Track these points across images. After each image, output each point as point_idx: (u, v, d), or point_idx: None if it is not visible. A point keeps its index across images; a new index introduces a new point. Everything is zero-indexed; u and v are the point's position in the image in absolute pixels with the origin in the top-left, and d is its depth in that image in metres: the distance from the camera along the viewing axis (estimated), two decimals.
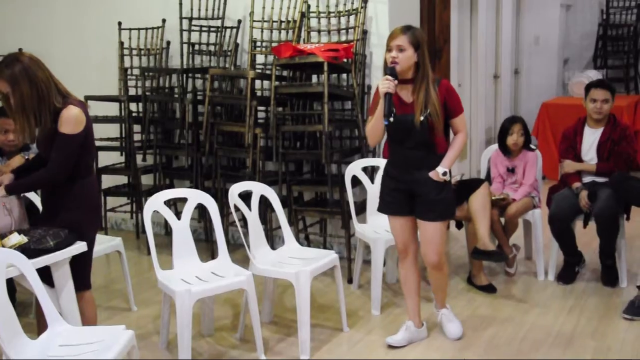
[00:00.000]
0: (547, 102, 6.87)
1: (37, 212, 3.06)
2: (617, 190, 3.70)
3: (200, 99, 4.62)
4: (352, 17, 4.22)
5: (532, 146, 4.12)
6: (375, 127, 2.90)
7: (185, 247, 3.15)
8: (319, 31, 4.33)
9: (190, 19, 4.73)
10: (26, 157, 3.00)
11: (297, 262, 3.27)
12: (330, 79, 4.23)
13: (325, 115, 3.82)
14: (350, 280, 3.99)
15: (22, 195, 2.85)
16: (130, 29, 4.99)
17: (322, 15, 4.31)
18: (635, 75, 8.37)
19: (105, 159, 4.91)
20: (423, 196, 2.94)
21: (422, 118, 2.83)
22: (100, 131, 4.44)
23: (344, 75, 4.29)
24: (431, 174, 2.92)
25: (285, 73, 4.35)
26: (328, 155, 3.87)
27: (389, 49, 2.84)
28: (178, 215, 3.20)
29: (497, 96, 7.42)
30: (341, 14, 4.26)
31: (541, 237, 3.97)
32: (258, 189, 3.43)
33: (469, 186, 3.79)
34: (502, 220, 3.98)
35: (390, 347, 3.13)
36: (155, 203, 3.11)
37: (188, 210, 3.21)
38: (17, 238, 2.50)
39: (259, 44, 4.50)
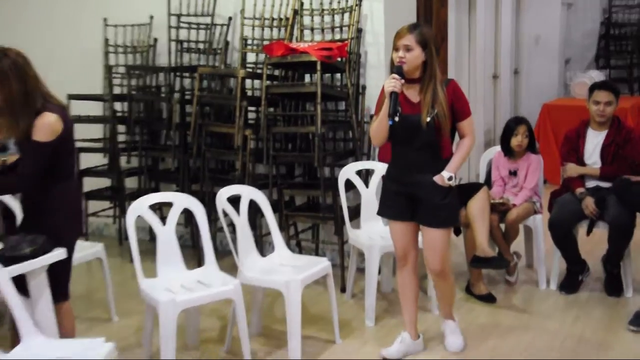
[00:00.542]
0: (549, 103, 6.87)
1: (14, 218, 2.99)
2: (621, 196, 3.67)
3: (189, 98, 4.56)
4: (346, 15, 4.18)
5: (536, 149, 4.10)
6: (380, 127, 2.86)
7: (170, 254, 3.10)
8: (312, 29, 4.29)
9: (179, 15, 4.68)
10: (4, 159, 2.93)
11: (287, 270, 3.22)
12: (323, 79, 4.20)
13: (318, 116, 3.78)
14: (343, 289, 3.95)
15: None
16: (116, 26, 4.93)
17: (315, 12, 4.27)
18: (639, 75, 8.37)
19: (88, 161, 4.85)
20: (426, 201, 2.91)
21: (428, 118, 2.80)
22: (83, 132, 4.38)
23: (338, 75, 4.26)
24: (436, 179, 2.88)
25: (277, 72, 4.31)
26: (320, 158, 3.83)
27: (395, 48, 2.82)
28: (164, 220, 3.14)
29: (496, 97, 7.41)
30: (335, 11, 4.23)
31: (542, 244, 3.94)
32: (247, 192, 3.38)
33: (467, 191, 3.75)
34: (502, 226, 3.94)
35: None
36: (140, 207, 3.06)
37: (174, 215, 3.15)
38: None
39: (250, 42, 4.46)
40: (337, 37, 4.24)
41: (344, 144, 4.32)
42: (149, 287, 2.92)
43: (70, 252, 2.67)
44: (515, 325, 3.43)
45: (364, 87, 4.22)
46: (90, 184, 4.86)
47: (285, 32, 4.28)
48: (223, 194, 3.22)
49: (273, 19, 4.37)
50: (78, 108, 4.60)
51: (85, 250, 3.49)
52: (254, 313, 3.36)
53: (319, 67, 3.75)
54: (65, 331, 2.69)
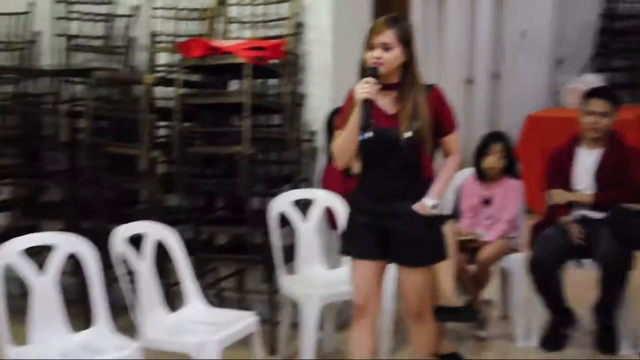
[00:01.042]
0: (534, 114, 7.06)
1: None
2: (617, 229, 3.81)
3: (81, 110, 4.52)
4: (283, 6, 4.24)
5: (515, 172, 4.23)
6: (347, 144, 2.89)
7: (49, 313, 3.06)
8: (240, 23, 4.34)
9: (68, 3, 4.67)
10: None
11: (201, 329, 3.23)
12: (254, 86, 4.24)
13: (246, 133, 3.82)
14: (273, 350, 3.98)
15: None
16: None
17: (244, 2, 4.33)
18: None
19: None
20: (404, 235, 2.94)
21: (409, 134, 2.84)
22: None
23: (272, 82, 4.31)
24: (416, 207, 2.93)
25: (195, 78, 4.34)
26: (248, 186, 3.86)
27: (369, 47, 2.86)
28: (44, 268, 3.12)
29: (470, 107, 7.58)
30: (270, 1, 4.29)
31: (521, 289, 4.05)
32: (153, 231, 3.39)
33: None
34: (472, 268, 4.04)
35: None
36: (9, 253, 3.02)
37: (56, 262, 3.13)
38: None
39: (161, 38, 4.47)
40: (272, 33, 4.29)
41: (278, 167, 4.37)
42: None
43: None
44: None
45: (304, 96, 4.29)
46: None
47: (206, 26, 4.32)
48: (121, 234, 3.22)
49: (191, 10, 4.41)
50: None
51: None
52: None
53: (247, 72, 3.80)
54: None
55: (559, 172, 4.10)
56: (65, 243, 3.18)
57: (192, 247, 4.02)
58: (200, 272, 4.04)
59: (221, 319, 3.32)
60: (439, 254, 3.07)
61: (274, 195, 3.93)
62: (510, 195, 4.13)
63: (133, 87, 4.58)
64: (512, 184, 4.16)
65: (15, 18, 4.85)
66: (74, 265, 3.83)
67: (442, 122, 2.95)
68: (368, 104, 2.77)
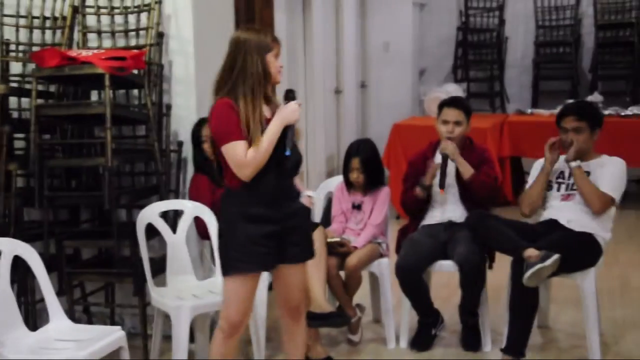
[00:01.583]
0: (399, 123, 7.29)
1: None
2: (475, 232, 3.98)
3: None
4: (143, 16, 4.21)
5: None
6: (266, 157, 2.93)
7: None
8: (99, 32, 4.27)
9: None
10: None
11: (67, 346, 3.15)
12: (116, 97, 4.18)
13: (108, 144, 3.75)
14: None
15: None
16: None
17: (102, 11, 4.27)
18: (501, 89, 9.17)
19: None
20: (298, 231, 3.05)
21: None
22: None
23: (136, 92, 4.27)
24: (304, 201, 3.10)
25: (53, 88, 4.23)
26: (113, 198, 3.80)
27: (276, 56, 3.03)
28: None
29: (340, 116, 7.76)
30: (129, 10, 4.25)
31: (390, 293, 4.16)
32: (9, 247, 3.26)
33: None
34: (343, 273, 4.12)
35: None
36: None
37: None
38: None
39: (13, 47, 4.33)
40: (133, 42, 4.25)
41: (145, 178, 4.32)
42: None
43: None
44: None
45: (169, 107, 4.26)
46: None
47: (62, 35, 4.23)
48: None
49: (45, 18, 4.30)
50: None
51: None
52: None
53: (107, 82, 3.74)
54: None
55: (416, 176, 4.25)
56: None
57: (56, 263, 3.92)
58: (65, 288, 3.96)
59: (87, 335, 3.25)
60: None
61: (142, 206, 3.89)
62: (378, 201, 4.24)
63: None
64: (380, 191, 4.27)
65: None
66: None
67: None
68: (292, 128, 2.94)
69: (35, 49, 4.25)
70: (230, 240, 3.00)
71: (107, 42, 4.29)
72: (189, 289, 3.75)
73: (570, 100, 6.27)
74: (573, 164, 3.95)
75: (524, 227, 4.02)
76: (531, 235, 3.88)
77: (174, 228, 3.90)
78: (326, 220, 4.39)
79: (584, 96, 8.08)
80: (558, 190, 4.05)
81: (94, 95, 4.30)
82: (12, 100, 4.29)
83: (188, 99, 4.32)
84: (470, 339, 4.10)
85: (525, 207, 4.11)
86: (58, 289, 3.83)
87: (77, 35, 4.27)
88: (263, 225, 2.97)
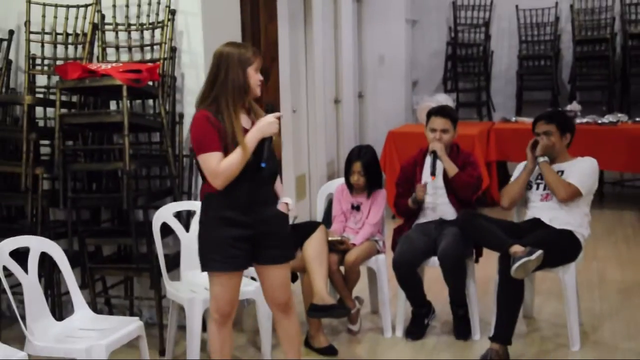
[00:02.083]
0: (394, 130, 7.32)
1: None
2: (464, 230, 4.02)
3: None
4: (157, 32, 4.24)
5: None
6: (239, 168, 2.92)
7: None
8: (117, 47, 4.31)
9: None
10: None
11: (90, 335, 3.19)
12: (133, 106, 4.22)
13: (126, 150, 3.79)
14: (163, 352, 3.96)
15: None
16: None
17: (120, 28, 4.30)
18: (487, 99, 9.22)
19: None
20: (272, 236, 3.05)
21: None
22: None
23: (151, 102, 4.30)
24: (281, 208, 3.07)
25: (76, 99, 4.26)
26: (131, 199, 3.83)
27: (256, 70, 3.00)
28: None
29: (339, 124, 7.78)
30: (144, 27, 4.28)
31: (386, 287, 4.20)
32: (37, 244, 3.30)
33: (303, 231, 3.91)
34: (343, 268, 4.15)
35: None
36: None
37: None
38: None
39: (39, 61, 4.37)
40: (148, 56, 4.29)
41: (159, 181, 4.35)
42: None
43: None
44: None
45: (181, 116, 4.30)
46: None
47: (83, 50, 4.26)
48: (3, 248, 3.12)
49: (68, 35, 4.34)
50: None
51: None
52: None
53: (125, 93, 3.77)
54: None
55: (407, 180, 4.31)
56: None
57: (79, 259, 3.96)
58: (88, 282, 3.99)
59: (108, 325, 3.30)
60: (294, 250, 3.30)
61: (157, 207, 3.91)
62: (375, 203, 4.28)
63: (16, 107, 4.45)
64: (377, 193, 4.30)
65: None
66: None
67: None
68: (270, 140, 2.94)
69: (58, 62, 4.29)
70: (206, 240, 3.04)
71: (124, 56, 4.33)
72: (201, 283, 3.77)
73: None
74: (541, 159, 4.04)
75: (510, 226, 4.06)
76: (517, 232, 3.92)
77: (187, 227, 3.94)
78: (327, 219, 4.42)
79: (564, 105, 8.13)
80: (537, 189, 4.09)
81: (113, 105, 4.33)
82: (38, 110, 4.34)
83: None
84: (461, 328, 4.12)
85: (505, 201, 4.16)
86: (81, 282, 3.86)
87: (97, 50, 4.29)
88: (236, 228, 2.99)
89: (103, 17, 4.29)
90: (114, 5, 4.29)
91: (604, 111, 7.96)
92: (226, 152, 2.90)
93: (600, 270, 5.31)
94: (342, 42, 7.73)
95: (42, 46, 4.35)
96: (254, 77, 2.97)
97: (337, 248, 4.08)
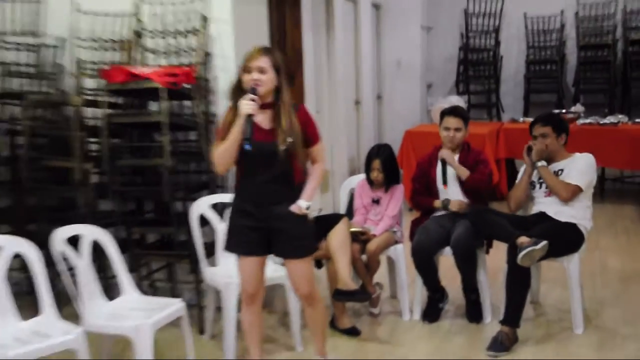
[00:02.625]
0: (411, 130, 7.37)
1: None
2: (475, 224, 4.07)
3: (20, 129, 4.47)
4: (192, 38, 4.31)
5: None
6: (228, 152, 2.96)
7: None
8: (155, 52, 4.38)
9: (2, 34, 4.58)
10: None
11: (137, 314, 3.29)
12: (171, 107, 4.29)
13: (166, 147, 3.87)
14: (202, 331, 4.05)
15: None
16: None
17: (158, 35, 4.37)
18: (497, 101, 9.23)
19: None
20: (286, 233, 3.07)
21: (284, 147, 2.95)
22: None
23: (188, 102, 4.36)
24: (293, 208, 3.06)
25: (120, 99, 4.35)
26: (171, 192, 3.91)
27: (247, 70, 2.96)
28: None
29: (359, 124, 7.82)
30: (180, 33, 4.34)
31: (404, 274, 4.27)
32: (89, 232, 3.41)
33: (327, 222, 3.99)
34: (364, 257, 4.23)
35: None
36: None
37: (3, 261, 3.12)
38: None
39: (86, 65, 4.47)
40: (184, 60, 4.35)
41: (196, 176, 4.43)
42: None
43: None
44: (380, 358, 3.71)
45: (215, 115, 4.36)
46: None
47: (127, 55, 4.35)
48: (60, 235, 3.23)
49: (112, 41, 4.42)
50: None
51: None
52: None
53: (164, 95, 3.85)
54: None
55: (423, 175, 4.38)
56: (10, 244, 3.18)
57: (126, 245, 4.06)
58: (134, 267, 4.07)
59: (153, 305, 3.39)
60: (314, 245, 3.30)
61: (194, 199, 4.00)
62: (394, 197, 4.35)
63: (66, 108, 4.55)
64: (395, 188, 4.37)
65: None
66: (24, 263, 3.82)
67: (309, 135, 3.09)
68: (250, 118, 2.90)
69: (103, 67, 4.36)
70: (229, 225, 3.17)
71: (162, 61, 4.39)
72: (235, 268, 3.85)
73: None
74: (539, 163, 4.08)
75: (518, 219, 4.10)
76: (523, 225, 3.96)
77: (222, 217, 4.01)
78: (349, 212, 4.49)
79: (569, 107, 8.11)
80: (540, 187, 4.13)
81: (153, 106, 4.40)
82: (87, 110, 4.44)
83: None
84: (473, 312, 4.19)
85: (512, 205, 4.22)
86: (129, 267, 3.95)
87: (137, 54, 4.39)
88: (249, 219, 3.07)
89: (143, 25, 4.37)
90: (153, 14, 4.37)
91: (605, 112, 7.95)
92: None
93: (602, 260, 5.34)
94: (361, 47, 7.76)
95: (89, 51, 4.43)
96: (247, 78, 2.97)
97: (359, 238, 4.15)
